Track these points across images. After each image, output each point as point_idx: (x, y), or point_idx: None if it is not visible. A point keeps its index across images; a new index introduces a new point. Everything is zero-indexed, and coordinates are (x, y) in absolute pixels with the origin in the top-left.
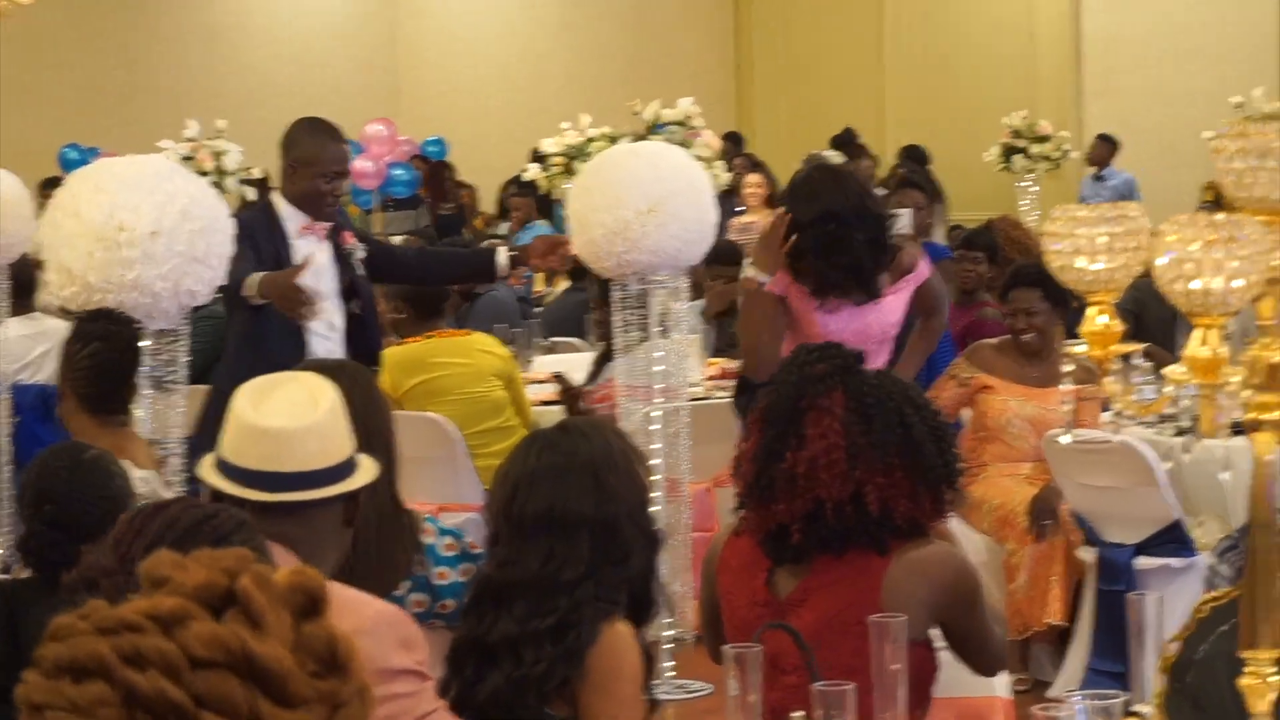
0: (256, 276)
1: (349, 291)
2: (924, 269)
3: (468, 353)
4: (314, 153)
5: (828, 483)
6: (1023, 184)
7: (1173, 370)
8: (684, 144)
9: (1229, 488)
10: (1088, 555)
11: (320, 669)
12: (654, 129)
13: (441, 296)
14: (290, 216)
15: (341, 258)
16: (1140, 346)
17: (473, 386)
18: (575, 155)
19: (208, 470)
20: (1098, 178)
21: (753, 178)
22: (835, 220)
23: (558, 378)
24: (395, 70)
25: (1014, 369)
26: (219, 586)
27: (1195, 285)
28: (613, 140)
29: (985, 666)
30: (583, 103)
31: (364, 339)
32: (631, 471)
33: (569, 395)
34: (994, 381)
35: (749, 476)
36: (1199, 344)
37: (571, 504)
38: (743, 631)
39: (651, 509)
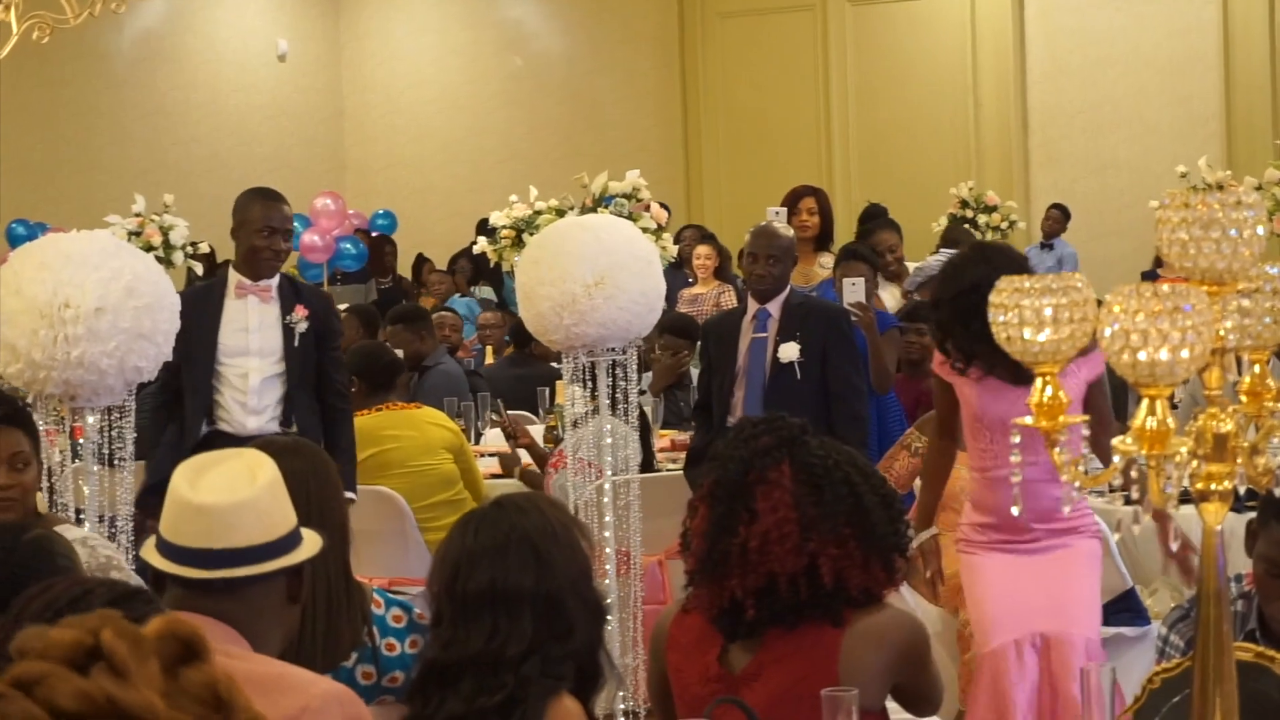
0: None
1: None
2: (1099, 361)
3: (417, 425)
4: (246, 213)
5: (781, 556)
6: None
7: (1120, 441)
8: (632, 216)
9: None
10: None
11: (204, 711)
12: (601, 201)
13: (394, 370)
14: (234, 280)
15: (285, 327)
16: (1088, 418)
17: (422, 459)
18: (524, 227)
19: (149, 549)
20: (1045, 246)
21: (702, 249)
22: (976, 292)
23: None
24: (340, 145)
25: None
26: (83, 645)
27: (1142, 356)
28: (560, 213)
29: (931, 710)
30: (528, 175)
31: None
32: (571, 543)
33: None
34: None
35: (700, 553)
36: (1146, 414)
37: (512, 580)
38: (695, 709)
39: (593, 580)
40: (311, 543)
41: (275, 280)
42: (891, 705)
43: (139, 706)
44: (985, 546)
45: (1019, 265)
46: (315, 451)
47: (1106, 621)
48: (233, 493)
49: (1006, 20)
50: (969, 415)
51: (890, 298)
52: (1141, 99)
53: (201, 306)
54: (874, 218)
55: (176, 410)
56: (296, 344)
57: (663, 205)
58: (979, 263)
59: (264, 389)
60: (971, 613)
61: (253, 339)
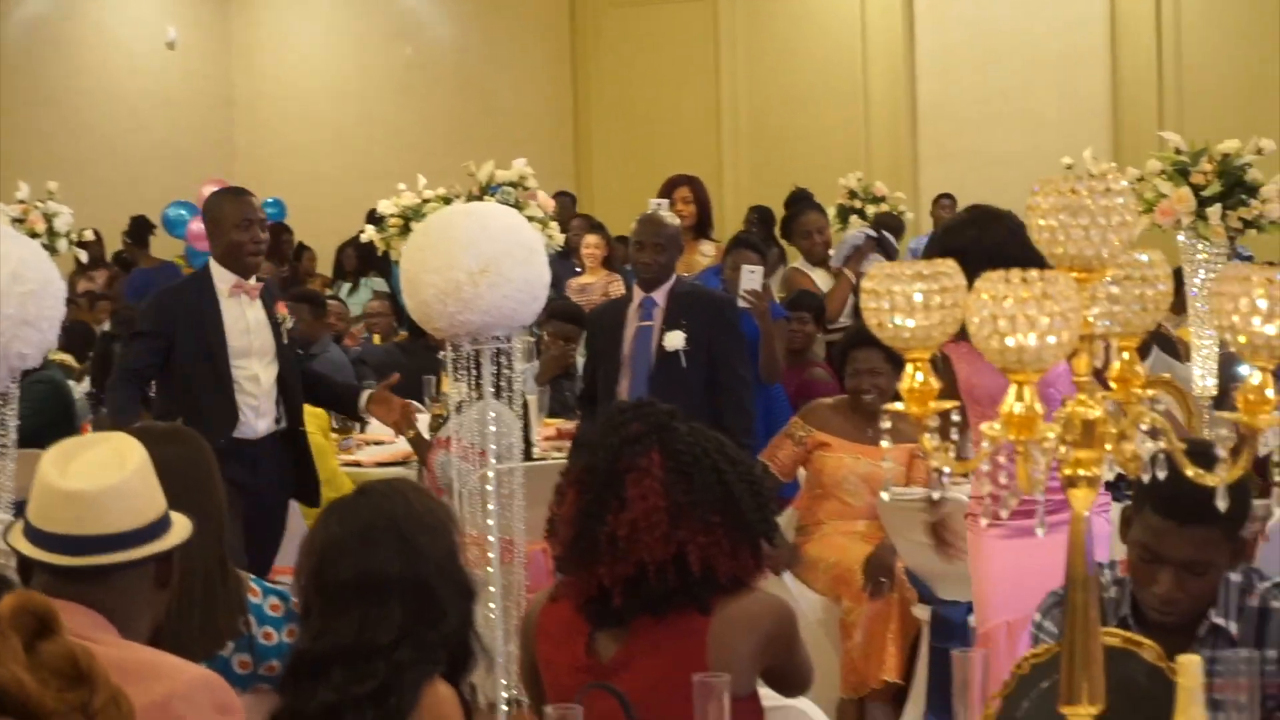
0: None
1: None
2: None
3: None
4: (219, 211)
5: (650, 545)
6: None
7: (989, 427)
8: (518, 205)
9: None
10: (922, 613)
11: (64, 683)
12: (488, 190)
13: None
14: (222, 278)
15: (273, 323)
16: (955, 404)
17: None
18: (411, 216)
19: (16, 536)
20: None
21: (591, 238)
22: (963, 256)
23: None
24: (230, 132)
25: (850, 427)
26: None
27: (1010, 342)
28: (447, 201)
29: (801, 691)
30: (418, 164)
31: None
32: (436, 526)
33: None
34: (830, 439)
35: (567, 540)
36: (1014, 400)
37: (379, 567)
38: (565, 698)
39: (461, 562)
40: (181, 528)
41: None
42: (766, 692)
43: (10, 683)
44: (991, 526)
45: (1010, 231)
46: (192, 438)
47: None
48: (101, 478)
49: (896, 13)
50: (963, 390)
51: (821, 280)
52: (1030, 92)
53: (195, 306)
54: (799, 201)
55: (142, 393)
56: (285, 341)
57: (568, 194)
58: (969, 226)
59: (271, 391)
60: (974, 590)
61: (254, 339)
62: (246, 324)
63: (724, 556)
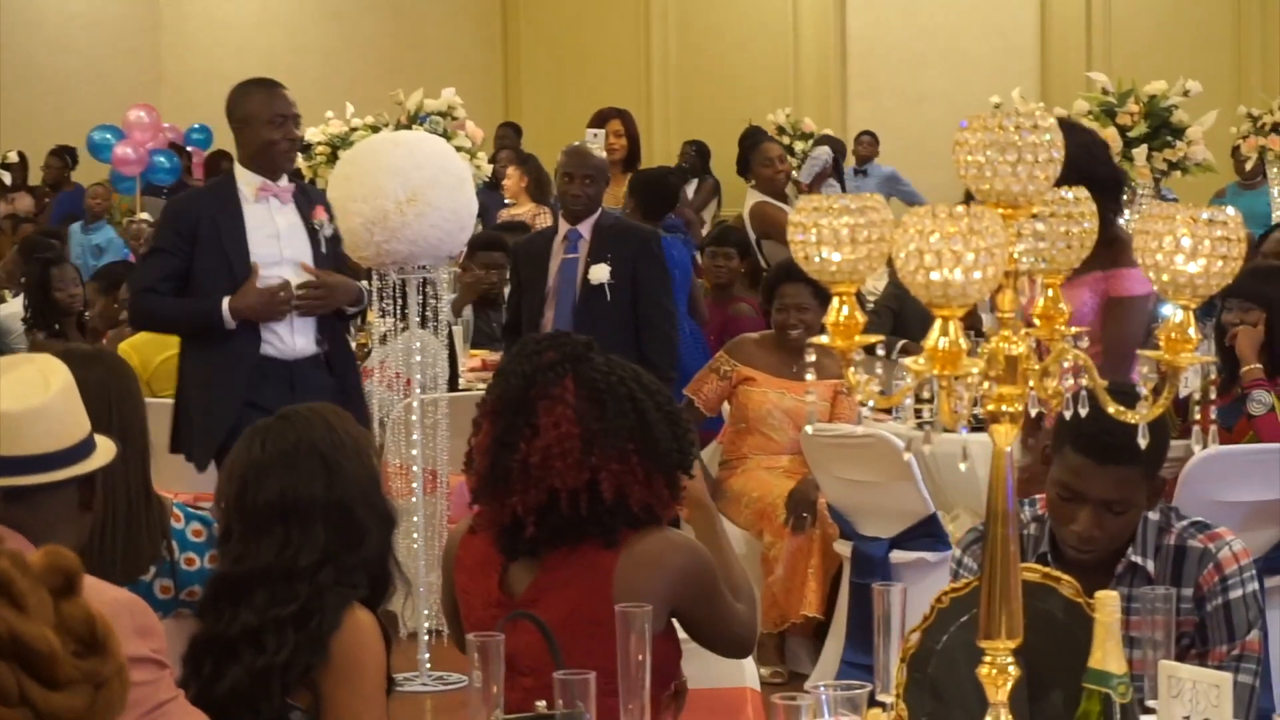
0: (225, 306)
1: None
2: (1132, 282)
3: None
4: (253, 105)
5: (562, 471)
6: None
7: (913, 361)
8: (447, 135)
9: (967, 479)
10: (844, 549)
11: (81, 648)
12: (417, 119)
13: None
14: (248, 182)
15: (310, 230)
16: (880, 338)
17: None
18: (339, 145)
19: None
20: (859, 172)
21: (511, 170)
22: None
23: None
24: (157, 57)
25: (775, 363)
26: None
27: (935, 277)
28: (375, 130)
29: (731, 649)
30: (347, 93)
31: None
32: (359, 452)
33: None
34: (755, 374)
35: (482, 469)
36: (939, 335)
37: (302, 489)
38: (481, 630)
39: (382, 488)
40: (105, 451)
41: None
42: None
43: (37, 640)
44: None
45: (1082, 146)
46: (117, 361)
47: (907, 546)
48: (24, 400)
49: None
50: None
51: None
52: (959, 31)
53: (214, 212)
54: (748, 135)
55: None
56: (325, 250)
57: (513, 125)
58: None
59: (307, 324)
60: None
61: (284, 245)
62: (275, 229)
63: (637, 485)
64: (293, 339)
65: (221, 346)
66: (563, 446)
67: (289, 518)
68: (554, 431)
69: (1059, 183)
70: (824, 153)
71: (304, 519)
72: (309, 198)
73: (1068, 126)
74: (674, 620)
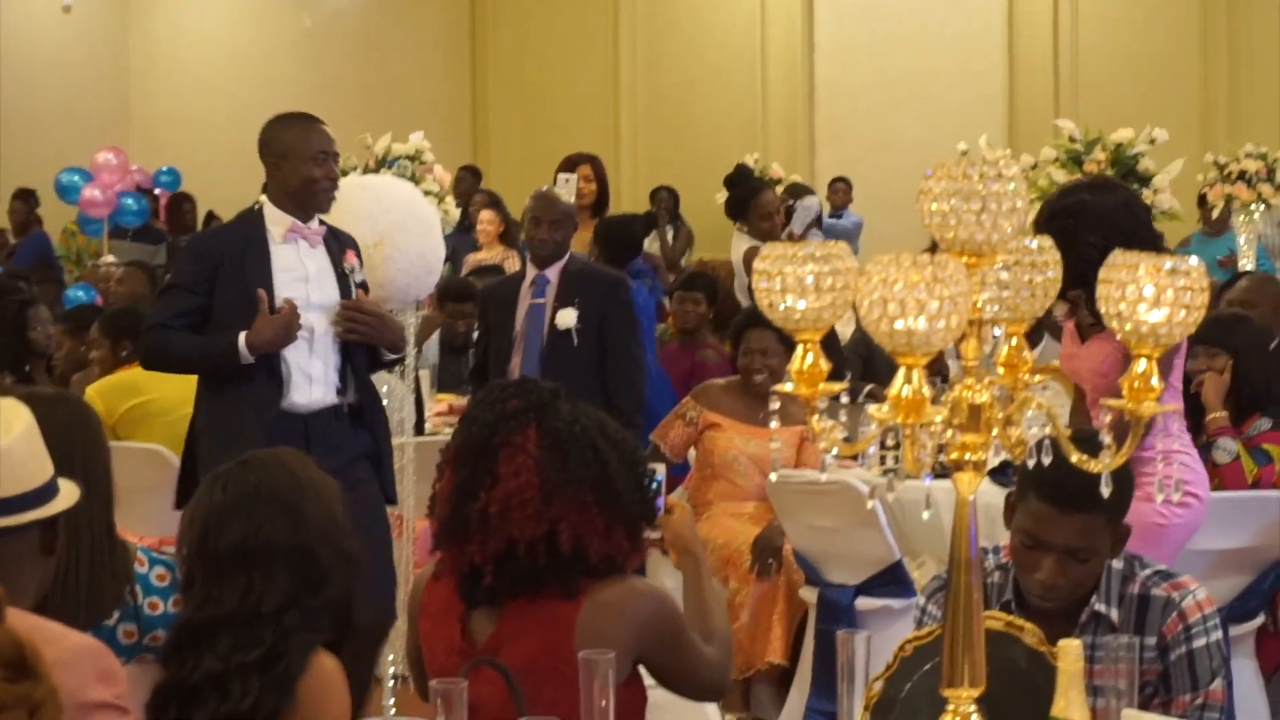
0: (241, 341)
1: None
2: None
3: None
4: (288, 141)
5: (520, 522)
6: None
7: (876, 409)
8: (415, 179)
9: (931, 527)
10: (809, 595)
11: (11, 673)
12: (385, 163)
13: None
14: (277, 221)
15: (341, 275)
16: (844, 385)
17: (184, 409)
18: None
19: None
20: (834, 216)
21: (485, 214)
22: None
23: None
24: (125, 98)
25: (741, 408)
26: None
27: (899, 325)
28: (344, 172)
29: (701, 694)
30: None
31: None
32: (321, 496)
33: None
34: (721, 420)
35: (443, 516)
36: (903, 383)
37: (264, 534)
38: (443, 677)
39: (345, 531)
40: (68, 494)
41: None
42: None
43: None
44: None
45: (1124, 203)
46: (80, 404)
47: (872, 593)
48: None
49: None
50: (1066, 371)
51: None
52: (928, 78)
53: (242, 252)
54: (748, 180)
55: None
56: (354, 296)
57: (473, 170)
58: (1083, 189)
59: (329, 351)
60: None
61: (313, 289)
62: (305, 272)
63: (597, 536)
64: (310, 388)
65: (241, 397)
66: (522, 496)
67: (251, 562)
68: (514, 481)
69: (1091, 231)
70: (815, 202)
71: (266, 563)
72: (339, 241)
73: (1109, 185)
74: (639, 667)
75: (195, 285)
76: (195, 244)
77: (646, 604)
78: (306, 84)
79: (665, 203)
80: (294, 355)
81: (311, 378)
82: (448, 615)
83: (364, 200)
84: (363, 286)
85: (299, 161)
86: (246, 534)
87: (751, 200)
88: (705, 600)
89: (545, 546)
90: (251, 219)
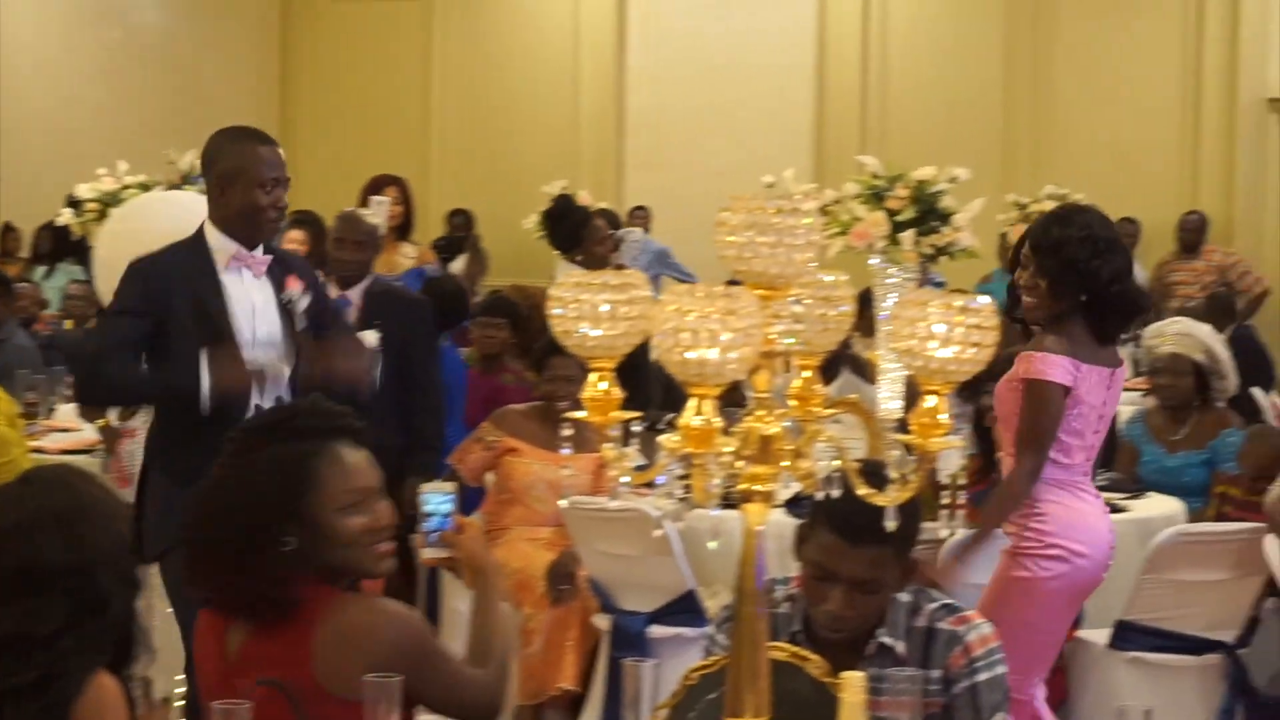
0: (205, 390)
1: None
2: (1044, 366)
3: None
4: (240, 159)
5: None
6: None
7: (667, 439)
8: None
9: (726, 556)
10: (602, 622)
11: None
12: (189, 179)
13: None
14: (220, 247)
15: (282, 305)
16: (639, 414)
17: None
18: (110, 202)
19: None
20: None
21: (293, 233)
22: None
23: None
24: None
25: (541, 434)
26: None
27: (691, 355)
28: (146, 188)
29: (467, 715)
30: (122, 149)
31: None
32: (104, 516)
33: None
34: (520, 445)
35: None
36: (693, 414)
37: (40, 556)
38: (208, 692)
39: (128, 553)
40: None
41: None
42: None
43: None
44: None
45: (1080, 234)
46: None
47: (665, 621)
48: None
49: (610, 22)
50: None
51: None
52: (738, 109)
53: (189, 280)
54: (571, 210)
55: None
56: (297, 329)
57: None
58: (1051, 220)
59: (279, 390)
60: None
61: (259, 323)
62: (251, 304)
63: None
64: None
65: (197, 439)
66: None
67: (27, 586)
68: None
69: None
70: (639, 234)
71: (43, 587)
72: (285, 266)
73: (1073, 212)
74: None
75: (143, 310)
76: (141, 267)
77: (391, 628)
78: (109, 98)
79: (459, 228)
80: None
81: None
82: (212, 630)
83: (165, 215)
84: (308, 313)
85: (246, 187)
86: (21, 557)
87: (584, 229)
88: (491, 621)
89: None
90: (193, 243)
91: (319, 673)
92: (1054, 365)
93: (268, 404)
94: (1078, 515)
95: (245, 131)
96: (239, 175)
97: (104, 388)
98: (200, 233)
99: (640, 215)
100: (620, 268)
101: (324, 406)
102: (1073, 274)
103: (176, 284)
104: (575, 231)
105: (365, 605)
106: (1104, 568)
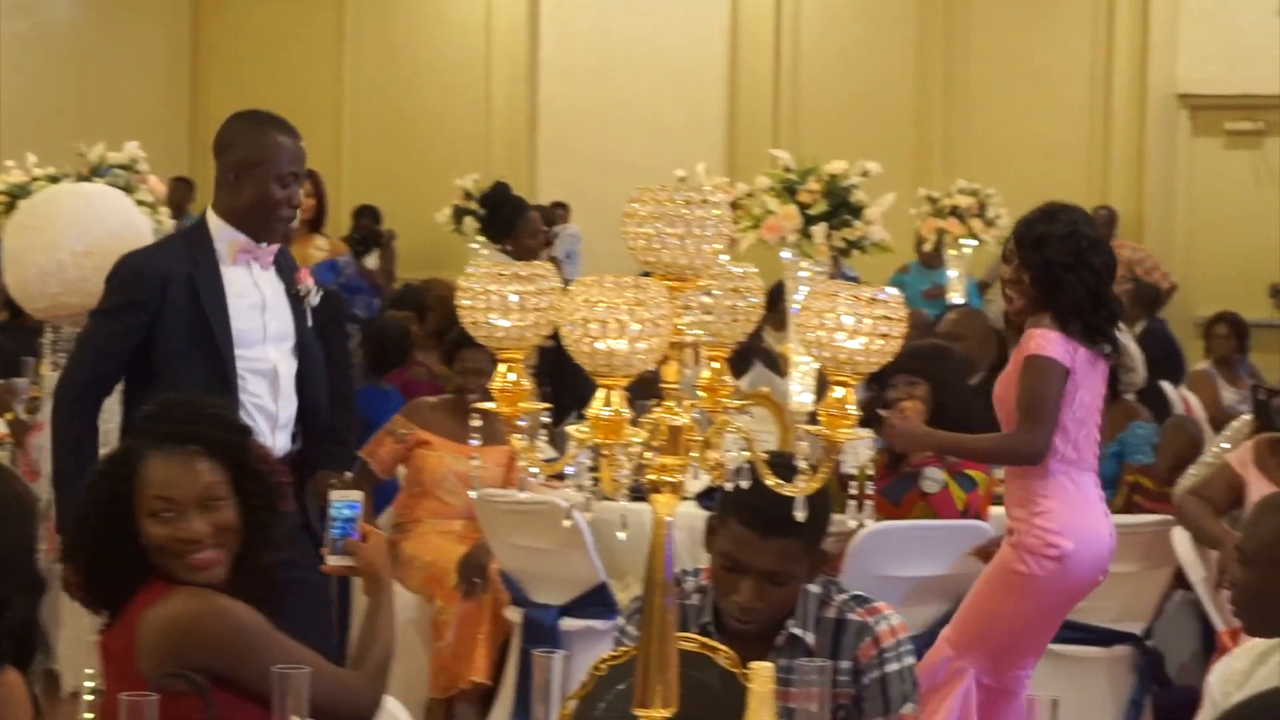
0: None
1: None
2: (1044, 342)
3: None
4: (258, 149)
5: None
6: (474, 245)
7: (576, 429)
8: (129, 188)
9: (637, 548)
10: (515, 615)
11: None
12: (98, 171)
13: None
14: (225, 238)
15: (293, 299)
16: (547, 406)
17: None
18: (18, 194)
19: None
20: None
21: None
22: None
23: None
24: None
25: (453, 427)
26: None
27: (600, 346)
28: (55, 180)
29: (330, 715)
30: (29, 142)
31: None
32: (8, 516)
33: None
34: (432, 438)
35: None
36: (602, 404)
37: None
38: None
39: (34, 555)
40: None
41: None
42: None
43: None
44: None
45: (1061, 232)
46: None
47: (577, 614)
48: None
49: (521, 16)
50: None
51: None
52: (651, 102)
53: (187, 274)
54: (506, 199)
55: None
56: (310, 324)
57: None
58: (1036, 217)
59: (291, 394)
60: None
61: (270, 319)
62: (260, 298)
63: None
64: (274, 434)
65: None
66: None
67: None
68: None
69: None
70: (574, 227)
71: None
72: (288, 260)
73: (1055, 211)
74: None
75: (135, 309)
76: (134, 261)
77: (211, 616)
78: (18, 91)
79: (365, 228)
80: (256, 397)
81: (277, 422)
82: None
83: (75, 207)
84: (310, 300)
85: (261, 179)
86: None
87: (519, 219)
88: (378, 629)
89: None
90: (197, 232)
91: (140, 658)
92: (1053, 342)
93: (280, 407)
94: (1082, 516)
95: (266, 118)
96: (255, 166)
97: (54, 427)
98: (202, 223)
99: (560, 211)
100: (554, 260)
101: (195, 408)
102: (1056, 270)
103: (175, 279)
104: (509, 220)
105: (190, 597)
106: (1102, 570)
